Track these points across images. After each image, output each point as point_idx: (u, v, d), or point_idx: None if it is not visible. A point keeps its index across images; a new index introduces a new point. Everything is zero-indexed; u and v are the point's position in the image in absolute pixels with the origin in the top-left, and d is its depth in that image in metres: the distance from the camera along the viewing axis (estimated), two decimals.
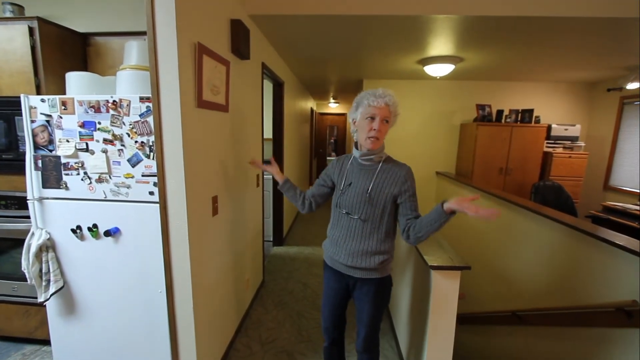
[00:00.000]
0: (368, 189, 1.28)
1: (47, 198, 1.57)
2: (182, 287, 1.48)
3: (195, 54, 1.41)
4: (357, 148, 1.36)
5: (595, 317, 1.76)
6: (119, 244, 1.56)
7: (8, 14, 1.79)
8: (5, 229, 1.85)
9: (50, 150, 1.53)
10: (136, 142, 1.46)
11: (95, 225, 1.56)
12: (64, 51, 1.80)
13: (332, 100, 7.91)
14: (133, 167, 1.49)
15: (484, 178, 4.13)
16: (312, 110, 7.42)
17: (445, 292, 1.44)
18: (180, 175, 1.36)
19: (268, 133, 3.97)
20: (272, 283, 2.91)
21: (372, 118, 1.24)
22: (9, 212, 1.85)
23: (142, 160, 1.47)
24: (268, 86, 3.74)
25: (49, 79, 1.70)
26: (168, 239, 1.43)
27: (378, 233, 1.30)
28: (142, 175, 1.49)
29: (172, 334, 1.53)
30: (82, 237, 1.58)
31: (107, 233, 1.53)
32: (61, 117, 1.49)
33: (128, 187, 1.52)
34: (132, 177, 1.50)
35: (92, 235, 1.57)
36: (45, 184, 1.56)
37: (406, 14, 2.09)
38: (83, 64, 1.92)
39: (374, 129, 1.24)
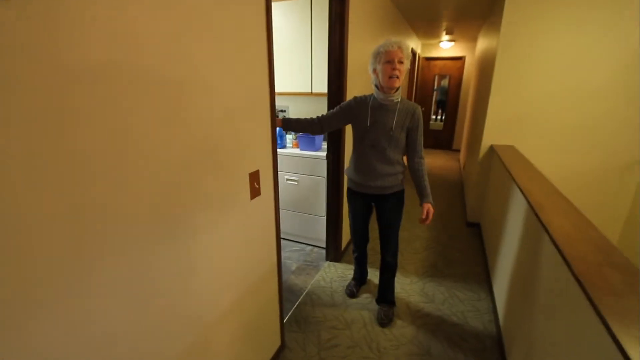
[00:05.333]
0: (392, 127, 1.59)
1: None
2: None
3: None
4: (379, 90, 1.58)
5: None
6: None
7: None
8: None
9: None
10: None
11: None
12: None
13: (445, 36, 5.63)
14: None
15: None
16: (413, 53, 5.39)
17: None
18: None
19: (322, 86, 2.56)
20: (295, 347, 1.74)
21: (390, 62, 1.48)
22: None
23: None
24: (322, 4, 2.27)
25: None
26: None
27: (397, 158, 1.67)
28: None
29: None
30: None
31: None
32: None
33: None
34: None
35: None
36: None
37: None
38: None
39: (394, 69, 1.48)
